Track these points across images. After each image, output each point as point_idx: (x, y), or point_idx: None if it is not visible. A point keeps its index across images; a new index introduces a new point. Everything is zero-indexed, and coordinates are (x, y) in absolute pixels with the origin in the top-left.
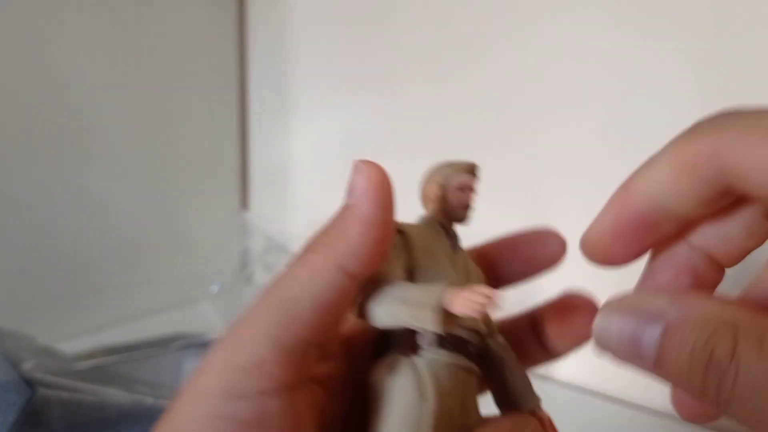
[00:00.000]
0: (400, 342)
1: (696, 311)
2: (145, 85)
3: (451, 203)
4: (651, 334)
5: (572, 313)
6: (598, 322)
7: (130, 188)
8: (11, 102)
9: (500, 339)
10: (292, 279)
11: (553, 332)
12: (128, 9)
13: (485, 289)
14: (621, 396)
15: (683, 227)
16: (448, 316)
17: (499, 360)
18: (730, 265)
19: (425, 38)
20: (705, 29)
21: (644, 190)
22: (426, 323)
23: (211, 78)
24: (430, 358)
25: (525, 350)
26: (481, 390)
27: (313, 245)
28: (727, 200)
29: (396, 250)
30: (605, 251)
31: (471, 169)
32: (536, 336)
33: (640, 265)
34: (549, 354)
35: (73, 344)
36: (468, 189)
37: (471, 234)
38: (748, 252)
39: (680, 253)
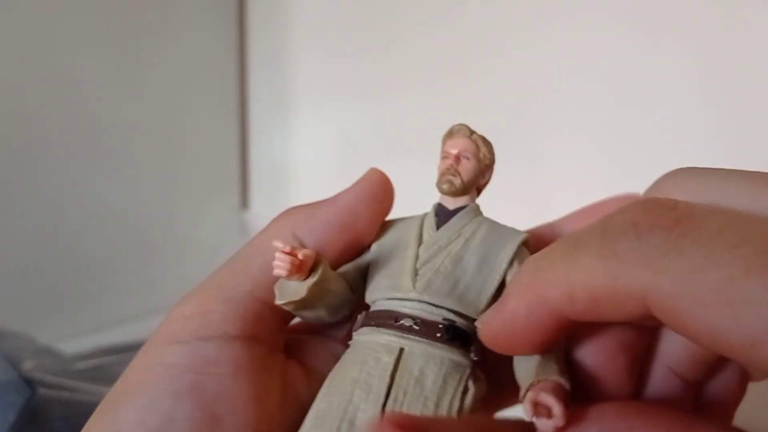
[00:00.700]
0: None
1: None
2: (146, 86)
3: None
4: None
5: None
6: None
7: (130, 188)
8: (12, 103)
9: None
10: (249, 243)
11: None
12: (130, 12)
13: (290, 248)
14: None
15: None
16: (288, 287)
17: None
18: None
19: (425, 39)
20: (705, 42)
21: (566, 289)
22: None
23: (211, 79)
24: (355, 340)
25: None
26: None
27: (280, 216)
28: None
29: (363, 254)
30: (510, 341)
31: (450, 133)
32: None
33: None
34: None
35: (73, 344)
36: (448, 156)
37: None
38: None
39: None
